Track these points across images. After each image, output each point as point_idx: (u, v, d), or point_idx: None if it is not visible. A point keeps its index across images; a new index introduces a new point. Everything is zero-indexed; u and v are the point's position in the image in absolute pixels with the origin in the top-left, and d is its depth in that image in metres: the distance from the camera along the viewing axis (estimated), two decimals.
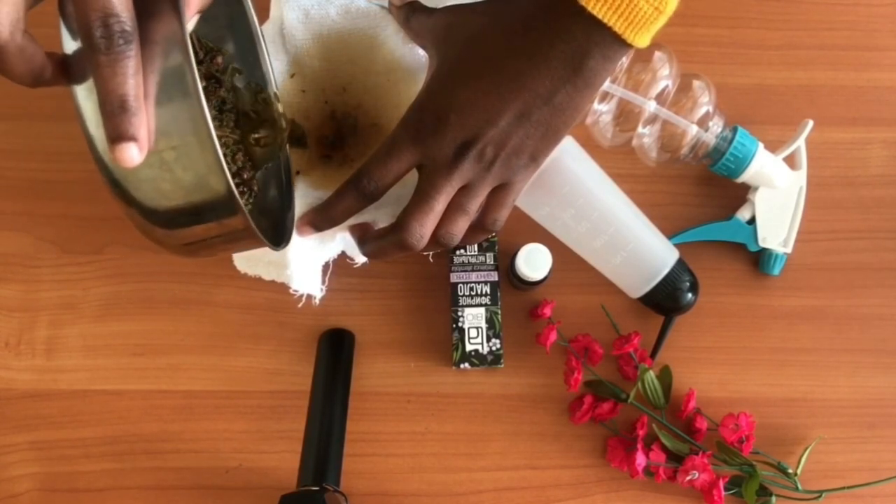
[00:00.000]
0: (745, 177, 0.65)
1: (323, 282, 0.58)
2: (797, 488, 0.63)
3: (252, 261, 0.58)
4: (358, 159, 0.60)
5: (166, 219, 0.42)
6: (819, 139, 0.68)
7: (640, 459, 0.62)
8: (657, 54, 0.62)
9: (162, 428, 0.65)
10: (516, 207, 0.64)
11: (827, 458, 0.65)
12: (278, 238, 0.50)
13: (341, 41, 0.58)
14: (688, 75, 0.63)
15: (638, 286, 0.64)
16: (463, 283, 0.64)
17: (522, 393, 0.66)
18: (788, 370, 0.66)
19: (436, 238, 0.51)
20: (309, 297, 0.58)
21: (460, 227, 0.51)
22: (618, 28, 0.43)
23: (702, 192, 0.68)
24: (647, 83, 0.62)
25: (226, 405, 0.66)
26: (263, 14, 0.57)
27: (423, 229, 0.50)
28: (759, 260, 0.67)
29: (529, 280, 0.62)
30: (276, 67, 0.57)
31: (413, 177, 0.51)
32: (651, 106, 0.62)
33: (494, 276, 0.64)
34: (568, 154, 0.62)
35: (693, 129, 0.62)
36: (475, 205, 0.51)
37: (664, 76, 0.62)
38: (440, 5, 0.52)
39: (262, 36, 0.55)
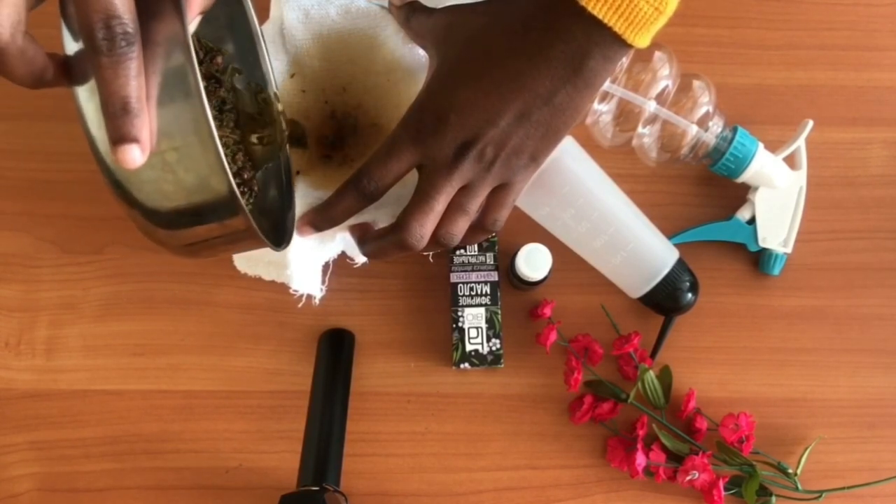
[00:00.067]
0: (745, 177, 0.65)
1: (323, 282, 0.58)
2: (797, 488, 0.63)
3: (252, 261, 0.58)
4: (358, 159, 0.60)
5: (168, 220, 0.42)
6: (819, 139, 0.68)
7: (640, 459, 0.62)
8: (657, 54, 0.62)
9: (162, 428, 0.65)
10: (516, 207, 0.64)
11: (827, 458, 0.65)
12: (279, 238, 0.50)
13: (341, 41, 0.58)
14: (688, 75, 0.63)
15: (638, 286, 0.64)
16: (463, 283, 0.64)
17: (522, 393, 0.66)
18: (788, 370, 0.66)
19: (436, 238, 0.51)
20: (309, 297, 0.58)
21: (460, 227, 0.51)
22: (618, 28, 0.43)
23: (702, 192, 0.68)
24: (647, 83, 0.62)
25: (226, 405, 0.66)
26: (263, 14, 0.57)
27: (423, 229, 0.50)
28: (759, 260, 0.67)
29: (529, 280, 0.62)
30: (276, 67, 0.57)
31: (413, 177, 0.51)
32: (651, 106, 0.62)
33: (494, 276, 0.64)
34: (568, 154, 0.62)
35: (693, 129, 0.62)
36: (475, 205, 0.51)
37: (664, 76, 0.62)
38: (440, 5, 0.52)
39: (262, 36, 0.55)
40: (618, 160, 0.67)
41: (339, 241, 0.56)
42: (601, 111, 0.63)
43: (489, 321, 0.63)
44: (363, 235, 0.54)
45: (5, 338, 0.66)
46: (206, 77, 0.51)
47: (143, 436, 0.65)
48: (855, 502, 0.64)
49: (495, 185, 0.50)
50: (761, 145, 0.64)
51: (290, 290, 0.56)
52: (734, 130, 0.64)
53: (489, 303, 0.64)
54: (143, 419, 0.65)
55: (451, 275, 0.64)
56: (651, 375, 0.64)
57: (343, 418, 0.63)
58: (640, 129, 0.63)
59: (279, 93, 0.56)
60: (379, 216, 0.55)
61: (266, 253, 0.54)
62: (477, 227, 0.53)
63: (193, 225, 0.43)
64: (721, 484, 0.62)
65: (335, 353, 0.65)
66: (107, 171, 0.41)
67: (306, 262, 0.56)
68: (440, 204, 0.49)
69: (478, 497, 0.65)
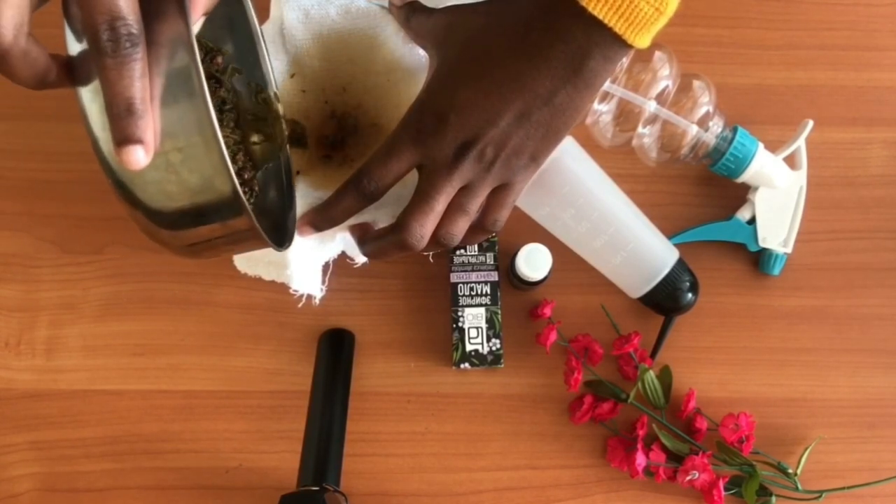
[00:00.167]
0: (745, 177, 0.65)
1: (323, 282, 0.58)
2: (797, 488, 0.63)
3: (252, 261, 0.58)
4: (358, 159, 0.60)
5: (171, 220, 0.42)
6: (819, 139, 0.68)
7: (640, 459, 0.62)
8: (657, 54, 0.62)
9: (162, 428, 0.65)
10: (516, 207, 0.64)
11: (827, 458, 0.65)
12: (280, 239, 0.51)
13: (341, 41, 0.58)
14: (688, 75, 0.63)
15: (638, 286, 0.64)
16: (463, 283, 0.64)
17: (522, 393, 0.66)
18: (788, 370, 0.66)
19: (436, 238, 0.51)
20: (309, 297, 0.58)
21: (460, 227, 0.51)
22: (618, 29, 0.43)
23: (702, 192, 0.68)
24: (647, 83, 0.62)
25: (226, 405, 0.66)
26: (263, 14, 0.57)
27: (423, 229, 0.50)
28: (759, 260, 0.67)
29: (529, 280, 0.62)
30: (276, 67, 0.57)
31: (413, 177, 0.51)
32: (651, 106, 0.62)
33: (494, 276, 0.64)
34: (568, 154, 0.62)
35: (693, 129, 0.62)
36: (475, 205, 0.51)
37: (664, 76, 0.62)
38: (440, 5, 0.52)
39: (262, 36, 0.55)
40: (618, 160, 0.67)
41: (339, 241, 0.56)
42: (601, 111, 0.63)
43: (489, 321, 0.63)
44: (363, 235, 0.54)
45: (5, 338, 0.66)
46: (206, 77, 0.51)
47: (143, 436, 0.65)
48: (855, 502, 0.64)
49: (495, 185, 0.50)
50: (761, 145, 0.64)
51: (290, 290, 0.56)
52: (734, 130, 0.64)
53: (489, 303, 0.64)
54: (143, 419, 0.65)
55: (451, 275, 0.64)
56: (651, 375, 0.64)
57: (343, 418, 0.63)
58: (640, 129, 0.63)
59: (279, 93, 0.56)
60: (379, 216, 0.55)
61: (266, 253, 0.54)
62: (477, 228, 0.53)
63: (196, 225, 0.43)
64: (721, 484, 0.62)
65: (335, 353, 0.65)
66: (110, 172, 0.41)
67: (306, 262, 0.56)
68: (440, 204, 0.49)
69: (478, 497, 0.65)
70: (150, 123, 0.38)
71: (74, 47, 0.39)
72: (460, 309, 0.63)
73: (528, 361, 0.66)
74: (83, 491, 0.64)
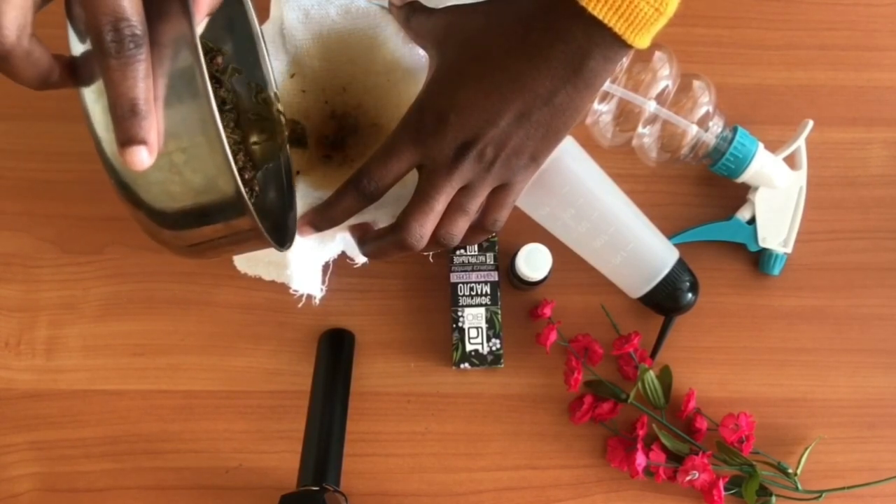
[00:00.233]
0: (745, 177, 0.65)
1: (323, 282, 0.58)
2: (797, 488, 0.63)
3: (252, 261, 0.58)
4: (358, 159, 0.60)
5: (174, 220, 0.42)
6: (819, 139, 0.68)
7: (640, 459, 0.62)
8: (657, 54, 0.62)
9: (162, 428, 0.65)
10: (516, 207, 0.64)
11: (827, 458, 0.65)
12: (281, 239, 0.51)
13: (341, 41, 0.58)
14: (688, 75, 0.63)
15: (638, 286, 0.64)
16: (463, 283, 0.64)
17: (522, 393, 0.66)
18: (788, 370, 0.66)
19: (436, 238, 0.51)
20: (309, 297, 0.58)
21: (460, 227, 0.51)
22: (618, 29, 0.43)
23: (702, 192, 0.68)
24: (647, 83, 0.62)
25: (226, 405, 0.66)
26: (263, 14, 0.57)
27: (423, 229, 0.50)
28: (759, 260, 0.67)
29: (529, 280, 0.62)
30: (276, 67, 0.57)
31: (413, 177, 0.51)
32: (651, 106, 0.62)
33: (494, 276, 0.64)
34: (568, 154, 0.62)
35: (693, 129, 0.62)
36: (475, 205, 0.51)
37: (664, 76, 0.62)
38: (440, 5, 0.52)
39: (262, 36, 0.55)
40: (618, 160, 0.67)
41: (339, 241, 0.56)
42: (601, 111, 0.63)
43: (489, 321, 0.63)
44: (363, 235, 0.54)
45: (5, 338, 0.66)
46: None
47: (143, 436, 0.65)
48: (855, 502, 0.64)
49: (495, 185, 0.50)
50: (761, 145, 0.64)
51: (290, 290, 0.56)
52: (734, 130, 0.64)
53: (489, 303, 0.64)
54: (143, 419, 0.65)
55: (451, 275, 0.64)
56: (651, 375, 0.64)
57: (343, 418, 0.63)
58: (640, 129, 0.63)
59: (279, 93, 0.56)
60: (379, 216, 0.55)
61: (266, 253, 0.54)
62: (477, 228, 0.53)
63: (199, 225, 0.43)
64: (721, 484, 0.62)
65: (335, 353, 0.65)
66: (113, 173, 0.41)
67: (306, 262, 0.56)
68: (440, 204, 0.49)
69: (478, 497, 0.65)
70: (153, 124, 0.38)
71: (77, 48, 0.39)
72: (460, 309, 0.63)
73: (528, 361, 0.66)
74: (83, 491, 0.64)
